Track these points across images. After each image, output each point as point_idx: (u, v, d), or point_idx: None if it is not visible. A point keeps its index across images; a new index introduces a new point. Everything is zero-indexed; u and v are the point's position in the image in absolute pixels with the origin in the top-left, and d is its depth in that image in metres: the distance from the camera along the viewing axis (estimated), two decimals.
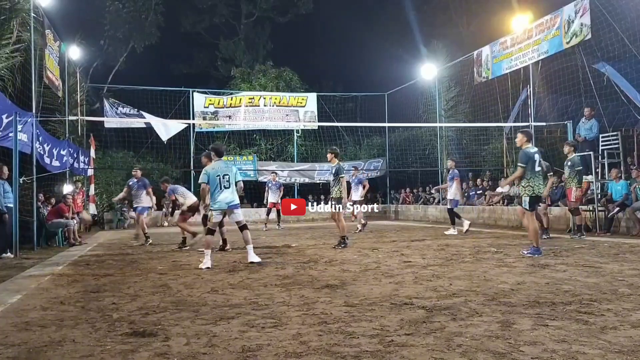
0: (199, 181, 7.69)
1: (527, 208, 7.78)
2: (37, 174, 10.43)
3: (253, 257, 7.33)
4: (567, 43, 13.29)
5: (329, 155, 9.80)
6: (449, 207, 12.57)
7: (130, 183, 11.46)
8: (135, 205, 11.54)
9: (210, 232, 7.47)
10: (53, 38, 13.41)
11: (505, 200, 15.81)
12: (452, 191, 12.42)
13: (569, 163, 10.48)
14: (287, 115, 22.26)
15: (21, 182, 9.67)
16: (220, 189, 7.38)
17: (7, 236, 9.15)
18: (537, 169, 7.76)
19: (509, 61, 15.66)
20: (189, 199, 10.42)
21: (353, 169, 14.54)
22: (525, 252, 7.68)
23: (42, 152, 11.07)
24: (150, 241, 11.03)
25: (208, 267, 6.96)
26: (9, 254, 8.99)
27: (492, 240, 10.30)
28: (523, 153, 7.80)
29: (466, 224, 12.12)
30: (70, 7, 19.20)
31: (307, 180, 21.48)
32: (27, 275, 6.83)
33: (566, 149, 10.66)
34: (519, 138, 7.99)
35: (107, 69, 25.92)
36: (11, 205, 9.24)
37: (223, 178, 7.40)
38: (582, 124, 12.94)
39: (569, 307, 4.17)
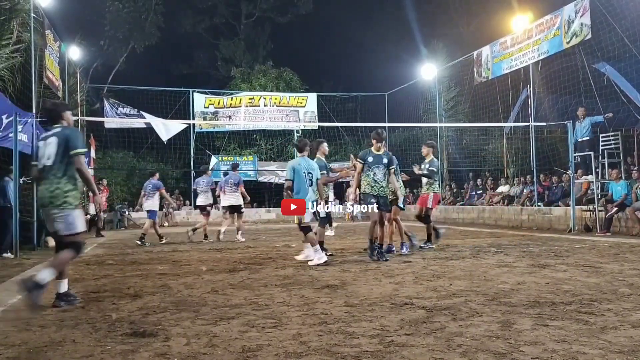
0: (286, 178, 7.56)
1: (403, 207, 8.44)
2: None
3: (314, 257, 7.15)
4: (567, 43, 13.29)
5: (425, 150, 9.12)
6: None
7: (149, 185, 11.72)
8: (148, 209, 11.71)
9: (307, 229, 7.36)
10: (53, 38, 13.41)
11: (506, 200, 15.81)
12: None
13: (427, 166, 9.08)
14: (287, 115, 22.27)
15: (21, 182, 9.67)
16: (305, 186, 7.38)
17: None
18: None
19: (509, 61, 15.66)
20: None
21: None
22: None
23: None
24: (164, 240, 11.43)
25: (325, 261, 7.04)
26: (8, 254, 9.02)
27: (493, 240, 10.30)
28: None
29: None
30: (70, 8, 19.22)
31: None
32: (27, 276, 6.82)
33: (424, 150, 9.26)
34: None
35: (107, 69, 25.94)
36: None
37: (307, 175, 7.38)
38: (579, 124, 12.94)
39: (569, 307, 4.17)
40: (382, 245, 7.67)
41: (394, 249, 8.31)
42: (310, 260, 7.17)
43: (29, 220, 10.27)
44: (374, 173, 7.51)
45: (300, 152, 7.63)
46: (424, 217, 9.10)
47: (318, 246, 7.21)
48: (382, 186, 7.55)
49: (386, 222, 7.92)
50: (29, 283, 4.35)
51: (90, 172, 5.64)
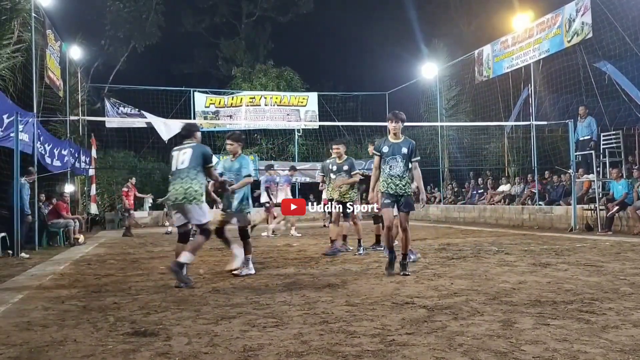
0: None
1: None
2: (38, 174, 10.44)
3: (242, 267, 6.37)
4: (568, 42, 13.27)
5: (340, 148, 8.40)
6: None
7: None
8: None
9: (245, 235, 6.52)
10: (54, 38, 13.42)
11: (507, 199, 15.80)
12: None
13: (346, 167, 8.20)
14: (288, 114, 22.26)
15: (22, 182, 9.69)
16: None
17: (27, 236, 9.77)
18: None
19: (510, 60, 15.64)
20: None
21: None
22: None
23: (43, 152, 11.08)
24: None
25: (252, 274, 6.26)
26: (23, 254, 9.10)
27: (494, 239, 10.29)
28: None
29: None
30: (71, 7, 19.22)
31: (308, 179, 21.48)
32: (28, 275, 6.84)
33: (341, 148, 8.37)
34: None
35: (108, 68, 25.94)
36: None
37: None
38: (580, 123, 12.93)
39: (571, 306, 4.17)
40: (404, 256, 6.22)
41: (341, 249, 8.32)
42: (238, 270, 6.25)
43: (30, 220, 10.29)
44: (390, 167, 6.13)
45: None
46: (374, 217, 8.68)
47: (251, 256, 6.36)
48: (400, 183, 6.12)
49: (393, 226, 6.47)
50: (174, 266, 5.57)
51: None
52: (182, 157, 5.79)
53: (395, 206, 6.19)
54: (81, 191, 17.20)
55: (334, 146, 8.50)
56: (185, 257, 5.59)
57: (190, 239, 6.08)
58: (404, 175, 6.15)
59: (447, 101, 19.76)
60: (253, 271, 6.26)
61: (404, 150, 6.14)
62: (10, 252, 9.08)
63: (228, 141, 6.68)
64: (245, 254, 6.29)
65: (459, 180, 19.66)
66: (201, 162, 5.76)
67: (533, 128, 14.98)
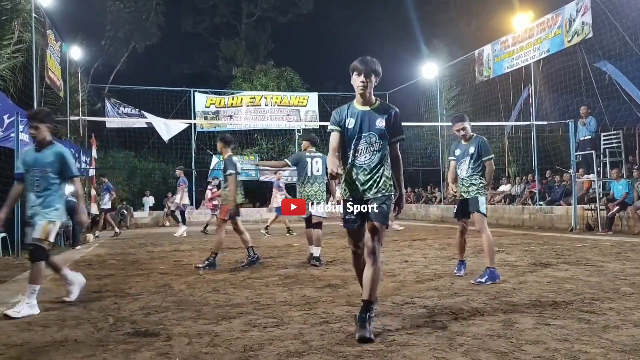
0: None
1: (485, 212, 5.73)
2: None
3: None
4: (569, 42, 13.28)
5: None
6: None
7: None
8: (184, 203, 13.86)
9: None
10: (54, 38, 13.43)
11: (507, 199, 15.80)
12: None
13: (223, 166, 7.31)
14: (288, 114, 22.27)
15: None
16: None
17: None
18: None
19: (510, 60, 15.65)
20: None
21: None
22: (483, 280, 5.33)
23: None
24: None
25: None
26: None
27: (494, 240, 10.27)
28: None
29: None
30: (71, 8, 19.23)
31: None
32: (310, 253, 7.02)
33: (219, 145, 7.47)
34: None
35: (108, 69, 25.97)
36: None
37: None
38: (580, 123, 12.93)
39: (571, 306, 4.17)
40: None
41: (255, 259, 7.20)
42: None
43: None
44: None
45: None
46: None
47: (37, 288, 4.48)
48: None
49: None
50: (314, 260, 6.99)
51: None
52: (318, 165, 7.13)
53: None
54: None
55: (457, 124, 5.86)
56: (314, 250, 7.09)
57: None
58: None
59: (447, 101, 19.77)
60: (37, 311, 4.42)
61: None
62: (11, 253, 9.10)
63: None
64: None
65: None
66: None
67: (533, 128, 14.97)
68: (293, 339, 3.41)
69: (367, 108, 3.78)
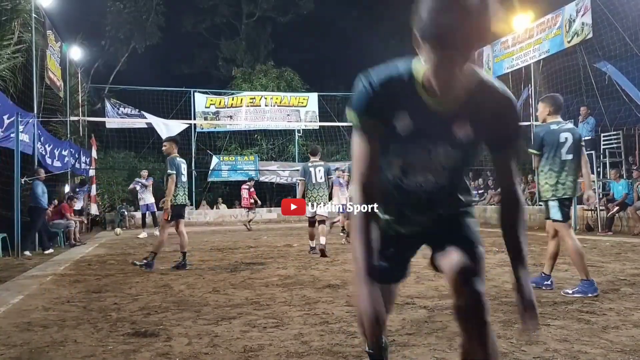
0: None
1: (560, 219, 4.90)
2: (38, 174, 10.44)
3: None
4: (569, 42, 13.28)
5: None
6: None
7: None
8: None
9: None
10: (54, 39, 13.44)
11: None
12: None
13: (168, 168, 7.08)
14: (288, 115, 22.27)
15: (23, 182, 9.69)
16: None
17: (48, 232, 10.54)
18: (565, 157, 4.82)
19: (510, 60, 15.66)
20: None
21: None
22: (571, 292, 4.65)
23: (43, 153, 11.10)
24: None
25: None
26: (27, 252, 9.22)
27: (494, 240, 10.27)
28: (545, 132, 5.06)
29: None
30: (71, 8, 19.19)
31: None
32: (29, 276, 6.84)
33: (168, 145, 7.27)
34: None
35: (108, 69, 25.94)
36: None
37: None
38: (580, 122, 12.94)
39: (571, 306, 4.17)
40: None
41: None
42: None
43: (29, 220, 10.29)
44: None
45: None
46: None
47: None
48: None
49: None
50: (321, 245, 7.92)
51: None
52: (321, 173, 8.07)
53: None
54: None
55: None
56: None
57: None
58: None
59: None
60: None
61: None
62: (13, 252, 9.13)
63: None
64: None
65: None
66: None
67: (533, 128, 14.96)
68: (293, 339, 3.41)
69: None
